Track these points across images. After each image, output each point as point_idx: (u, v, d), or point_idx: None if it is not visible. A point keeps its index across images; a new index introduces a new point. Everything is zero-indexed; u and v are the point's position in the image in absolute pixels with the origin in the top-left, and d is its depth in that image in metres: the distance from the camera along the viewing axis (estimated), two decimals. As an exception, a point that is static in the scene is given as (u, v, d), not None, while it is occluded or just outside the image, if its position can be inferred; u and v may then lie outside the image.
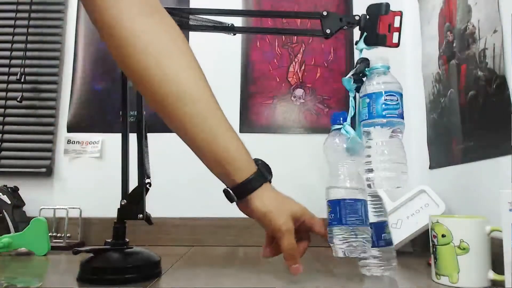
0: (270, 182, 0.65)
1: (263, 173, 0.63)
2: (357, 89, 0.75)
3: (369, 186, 0.69)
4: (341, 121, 0.76)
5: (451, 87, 0.93)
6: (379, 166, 0.68)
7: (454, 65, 0.92)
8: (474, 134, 0.83)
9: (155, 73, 0.57)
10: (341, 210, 0.67)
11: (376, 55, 0.75)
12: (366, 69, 0.74)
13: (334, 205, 0.68)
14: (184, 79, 0.59)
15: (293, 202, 0.66)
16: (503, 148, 0.71)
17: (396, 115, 0.69)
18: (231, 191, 0.62)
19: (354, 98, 0.76)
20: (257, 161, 0.65)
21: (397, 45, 0.77)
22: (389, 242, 0.70)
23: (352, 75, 0.76)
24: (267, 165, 0.66)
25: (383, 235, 0.70)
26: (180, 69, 0.58)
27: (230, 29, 0.82)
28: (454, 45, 0.92)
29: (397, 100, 0.69)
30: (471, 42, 0.83)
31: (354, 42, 0.95)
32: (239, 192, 0.62)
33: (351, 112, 0.76)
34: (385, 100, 0.69)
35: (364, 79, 0.74)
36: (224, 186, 0.64)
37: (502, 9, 0.73)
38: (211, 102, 0.61)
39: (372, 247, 0.68)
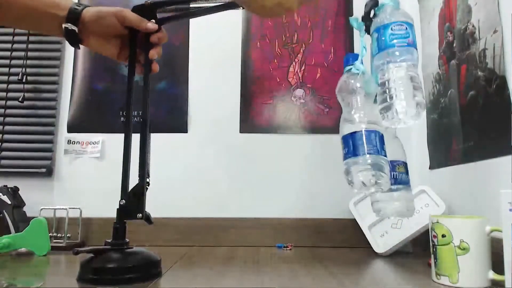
0: None
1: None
2: (368, 30, 0.73)
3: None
4: (352, 62, 0.74)
5: (451, 87, 0.93)
6: (396, 99, 0.65)
7: (454, 65, 0.92)
8: (474, 134, 0.83)
9: None
10: (355, 142, 0.67)
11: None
12: (376, 8, 0.72)
13: (347, 139, 0.68)
14: None
15: None
16: (503, 148, 0.71)
17: (406, 44, 0.66)
18: (68, 24, 0.67)
19: (368, 37, 0.73)
20: None
21: None
22: (403, 182, 0.69)
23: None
24: None
25: (393, 174, 0.68)
26: None
27: (233, 6, 0.78)
28: (454, 45, 0.91)
29: (406, 29, 0.67)
30: (471, 42, 0.83)
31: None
32: (74, 14, 0.67)
33: (362, 53, 0.74)
34: (392, 30, 0.67)
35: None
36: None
37: (502, 9, 0.73)
38: None
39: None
